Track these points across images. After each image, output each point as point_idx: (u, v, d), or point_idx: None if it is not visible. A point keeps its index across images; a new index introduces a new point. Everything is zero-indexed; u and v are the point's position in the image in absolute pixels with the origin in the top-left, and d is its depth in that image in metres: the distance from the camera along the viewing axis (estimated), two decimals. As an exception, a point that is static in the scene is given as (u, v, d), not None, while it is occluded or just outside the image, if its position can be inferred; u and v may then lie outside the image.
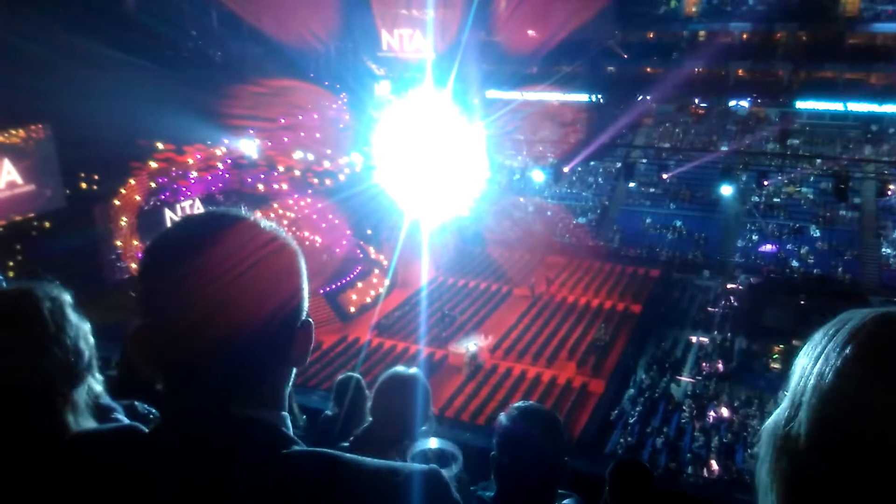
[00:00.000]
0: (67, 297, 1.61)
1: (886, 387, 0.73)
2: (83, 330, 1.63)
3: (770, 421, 0.86)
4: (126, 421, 2.10)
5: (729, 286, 29.30)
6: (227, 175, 24.31)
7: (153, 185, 21.44)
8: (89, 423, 1.58)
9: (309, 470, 1.01)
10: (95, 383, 2.42)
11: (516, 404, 2.46)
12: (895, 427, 0.72)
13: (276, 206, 25.29)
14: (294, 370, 1.16)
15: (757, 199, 34.39)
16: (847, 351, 0.78)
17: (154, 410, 2.67)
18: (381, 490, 1.02)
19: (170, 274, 1.03)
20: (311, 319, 1.14)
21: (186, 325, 1.02)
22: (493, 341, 25.07)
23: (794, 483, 0.79)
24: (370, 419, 3.19)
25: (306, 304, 1.14)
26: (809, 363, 0.83)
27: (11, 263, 17.09)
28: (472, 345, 23.97)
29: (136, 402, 2.69)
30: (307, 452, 1.04)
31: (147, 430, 1.09)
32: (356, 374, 4.69)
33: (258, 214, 1.14)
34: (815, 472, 0.77)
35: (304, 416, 5.40)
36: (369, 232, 30.16)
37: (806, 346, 0.86)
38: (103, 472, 1.04)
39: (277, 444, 1.04)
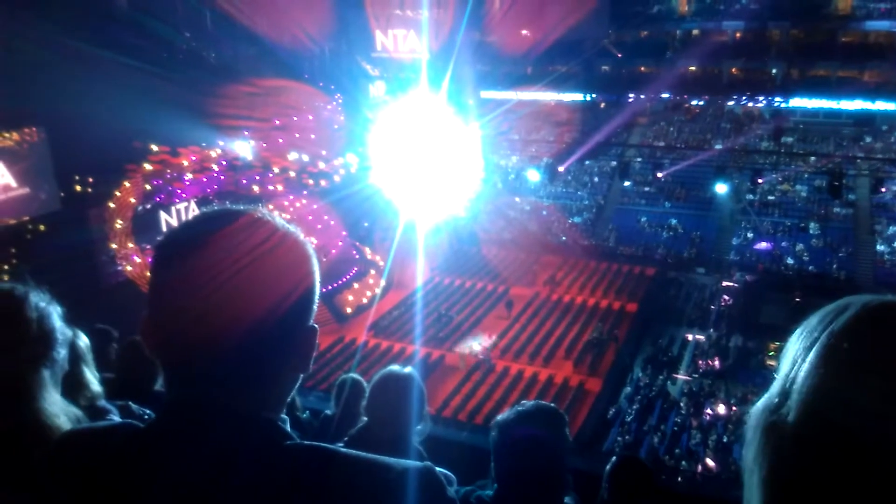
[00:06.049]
0: (53, 302, 1.64)
1: (880, 383, 0.73)
2: (66, 334, 1.65)
3: (759, 405, 0.85)
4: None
5: (724, 284, 29.36)
6: (222, 177, 24.21)
7: (148, 187, 21.34)
8: (68, 424, 1.60)
9: (305, 464, 1.02)
10: (94, 384, 2.42)
11: (519, 406, 2.42)
12: (887, 426, 0.72)
13: (271, 207, 25.18)
14: (299, 377, 1.15)
15: (751, 196, 34.46)
16: (843, 342, 0.77)
17: (149, 411, 2.67)
18: (377, 485, 1.02)
19: (171, 269, 1.04)
20: (315, 325, 1.14)
21: (184, 320, 1.02)
22: (494, 341, 25.07)
23: (778, 469, 0.79)
24: (365, 419, 3.18)
25: (314, 306, 1.13)
26: (803, 350, 0.82)
27: (6, 267, 17.03)
28: (475, 345, 24.03)
29: (132, 403, 2.70)
30: (304, 447, 1.04)
31: (143, 426, 1.09)
32: (354, 375, 4.70)
33: (268, 212, 1.13)
34: (801, 461, 0.76)
35: (308, 412, 5.42)
36: (365, 227, 30.18)
37: (799, 330, 0.85)
38: (100, 466, 1.04)
39: (274, 439, 1.04)
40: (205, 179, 23.51)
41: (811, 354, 0.79)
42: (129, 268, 20.27)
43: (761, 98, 37.32)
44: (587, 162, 37.90)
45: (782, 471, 0.79)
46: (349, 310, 26.89)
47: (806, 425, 0.77)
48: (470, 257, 33.87)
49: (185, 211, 21.91)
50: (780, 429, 0.79)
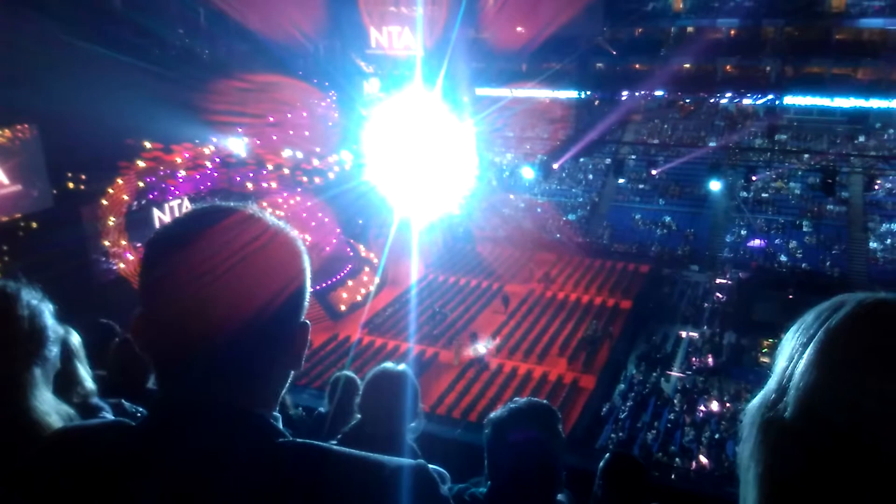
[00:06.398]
0: (44, 300, 1.62)
1: (877, 381, 0.73)
2: (58, 331, 1.64)
3: (755, 402, 0.85)
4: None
5: (718, 281, 29.46)
6: (216, 174, 24.16)
7: (141, 184, 21.27)
8: (60, 422, 1.59)
9: (298, 461, 1.02)
10: (87, 382, 2.41)
11: (513, 404, 2.42)
12: (883, 423, 0.72)
13: (264, 204, 25.17)
14: (290, 373, 1.15)
15: (745, 194, 34.57)
16: (840, 339, 0.78)
17: (141, 409, 2.66)
18: (370, 483, 1.02)
19: (162, 266, 1.04)
20: (307, 321, 1.14)
21: (175, 316, 1.02)
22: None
23: (774, 465, 0.79)
24: (358, 416, 3.17)
25: (306, 303, 1.13)
26: (799, 347, 0.82)
27: (-2, 264, 16.97)
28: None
29: (124, 401, 2.69)
30: (296, 444, 1.04)
31: (135, 423, 1.08)
32: (347, 372, 4.70)
33: (260, 209, 1.12)
34: (797, 457, 0.77)
35: (300, 409, 5.41)
36: (359, 224, 30.17)
37: (795, 327, 0.85)
38: (92, 463, 1.04)
39: (267, 436, 1.04)
40: (198, 176, 23.45)
41: (807, 351, 0.79)
42: (121, 265, 20.21)
43: (755, 95, 37.41)
44: (582, 159, 37.95)
45: (778, 467, 0.79)
46: (343, 307, 26.87)
47: (802, 422, 0.77)
48: (464, 255, 33.88)
49: (178, 208, 21.86)
50: (776, 425, 0.79)
